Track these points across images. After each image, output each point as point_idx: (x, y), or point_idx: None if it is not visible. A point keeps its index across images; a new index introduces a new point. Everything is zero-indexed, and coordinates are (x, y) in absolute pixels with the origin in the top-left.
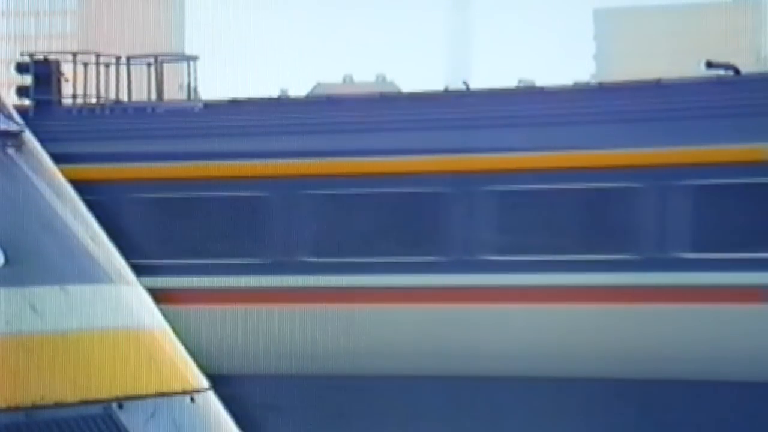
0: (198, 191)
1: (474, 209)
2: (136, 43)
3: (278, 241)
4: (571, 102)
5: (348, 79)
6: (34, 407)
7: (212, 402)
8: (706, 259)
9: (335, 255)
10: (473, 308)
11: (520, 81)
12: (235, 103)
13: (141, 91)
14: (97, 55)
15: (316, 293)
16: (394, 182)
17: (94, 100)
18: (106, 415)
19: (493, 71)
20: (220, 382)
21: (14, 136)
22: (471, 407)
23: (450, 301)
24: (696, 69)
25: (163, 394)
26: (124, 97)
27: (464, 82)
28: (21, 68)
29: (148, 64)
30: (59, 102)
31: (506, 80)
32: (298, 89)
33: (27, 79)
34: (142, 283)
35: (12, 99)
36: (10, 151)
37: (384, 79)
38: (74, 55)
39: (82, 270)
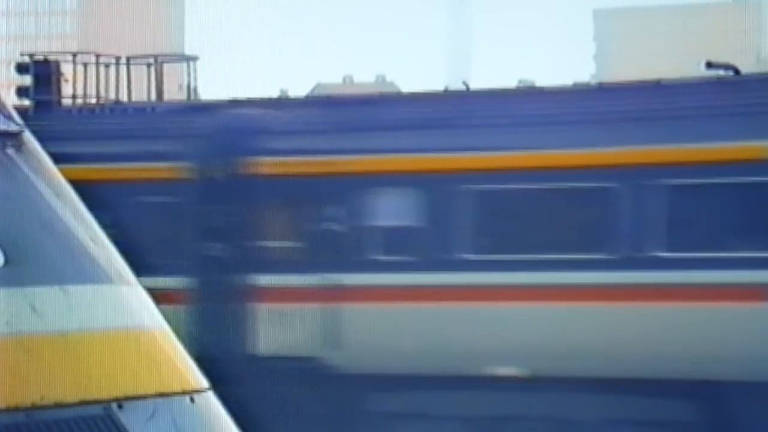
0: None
1: None
2: (136, 43)
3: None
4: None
5: (348, 80)
6: (34, 407)
7: (212, 402)
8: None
9: None
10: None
11: (520, 81)
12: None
13: (141, 92)
14: (97, 56)
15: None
16: None
17: (93, 101)
18: (105, 415)
19: (492, 72)
20: None
21: (14, 137)
22: None
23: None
24: (696, 69)
25: (163, 395)
26: (124, 98)
27: (464, 83)
28: (21, 68)
29: (148, 65)
30: (59, 102)
31: (506, 81)
32: (298, 89)
33: (27, 80)
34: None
35: (12, 99)
36: (10, 151)
37: (384, 79)
38: (74, 55)
39: (82, 270)
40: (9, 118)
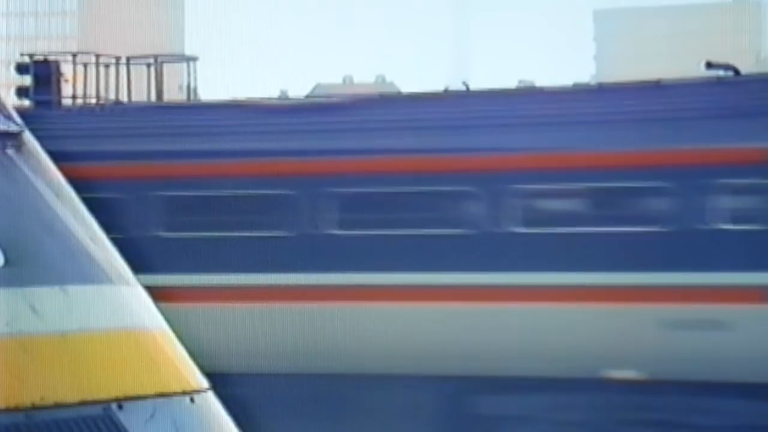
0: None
1: None
2: (136, 43)
3: None
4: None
5: (348, 80)
6: (34, 408)
7: (212, 402)
8: None
9: None
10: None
11: (520, 82)
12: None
13: (141, 92)
14: (97, 56)
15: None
16: None
17: (93, 101)
18: (105, 415)
19: (492, 72)
20: None
21: (14, 137)
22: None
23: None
24: (696, 70)
25: (162, 395)
26: (123, 98)
27: (464, 83)
28: (21, 69)
29: (148, 65)
30: (59, 102)
31: (506, 81)
32: (298, 90)
33: (27, 80)
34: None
35: (12, 99)
36: (10, 151)
37: (384, 80)
38: (74, 55)
39: (82, 270)
40: (9, 118)
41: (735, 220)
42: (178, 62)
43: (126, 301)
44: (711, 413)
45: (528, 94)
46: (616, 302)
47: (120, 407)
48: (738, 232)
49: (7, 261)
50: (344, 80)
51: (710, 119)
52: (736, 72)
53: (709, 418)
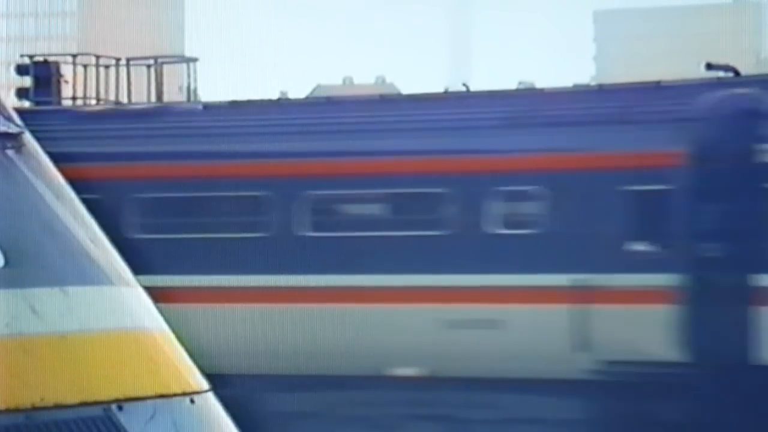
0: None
1: None
2: (136, 44)
3: None
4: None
5: (348, 81)
6: (34, 409)
7: (212, 403)
8: None
9: None
10: None
11: (520, 83)
12: None
13: (141, 93)
14: (97, 57)
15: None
16: None
17: (93, 102)
18: (106, 416)
19: (492, 73)
20: None
21: (14, 138)
22: None
23: None
24: (696, 70)
25: (163, 396)
26: (123, 99)
27: (464, 84)
28: (21, 70)
29: (148, 66)
30: (59, 103)
31: (506, 82)
32: (298, 91)
33: (27, 81)
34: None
35: (12, 100)
36: (10, 152)
37: (384, 81)
38: (74, 56)
39: (82, 271)
40: (9, 119)
41: (508, 224)
42: (178, 63)
43: (126, 302)
44: (487, 408)
45: (326, 104)
46: (398, 303)
47: (120, 408)
48: (511, 236)
49: (7, 262)
50: (344, 81)
51: (484, 129)
52: (736, 73)
53: (484, 412)
